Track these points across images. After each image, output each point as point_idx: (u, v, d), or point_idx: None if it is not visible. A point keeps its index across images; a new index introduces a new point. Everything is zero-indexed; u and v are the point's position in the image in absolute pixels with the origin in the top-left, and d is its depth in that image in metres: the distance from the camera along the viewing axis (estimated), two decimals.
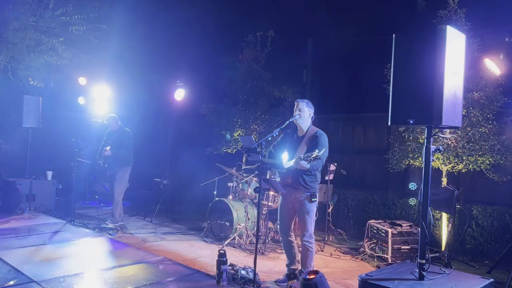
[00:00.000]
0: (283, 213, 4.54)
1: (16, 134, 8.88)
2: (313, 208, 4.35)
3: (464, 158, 5.40)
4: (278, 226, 4.65)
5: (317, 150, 3.97)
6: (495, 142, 5.32)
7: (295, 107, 4.46)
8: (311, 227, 4.35)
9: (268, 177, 4.44)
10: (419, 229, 3.15)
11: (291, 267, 4.56)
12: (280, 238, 4.72)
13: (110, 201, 7.12)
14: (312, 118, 4.49)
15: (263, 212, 5.95)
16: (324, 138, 4.33)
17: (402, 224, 5.58)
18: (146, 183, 8.86)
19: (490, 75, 5.17)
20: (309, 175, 4.29)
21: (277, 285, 4.44)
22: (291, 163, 4.22)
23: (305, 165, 4.05)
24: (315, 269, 4.31)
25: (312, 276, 3.57)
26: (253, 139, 5.81)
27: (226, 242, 5.75)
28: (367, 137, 8.03)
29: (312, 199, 4.29)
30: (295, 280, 4.44)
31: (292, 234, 4.59)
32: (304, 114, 4.40)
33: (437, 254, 5.39)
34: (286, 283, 4.45)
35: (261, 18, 9.17)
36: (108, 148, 6.71)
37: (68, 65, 7.92)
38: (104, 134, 7.08)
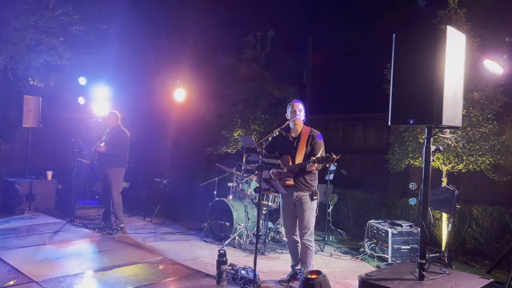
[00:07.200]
0: (285, 213, 4.55)
1: (16, 134, 8.88)
2: (314, 206, 4.39)
3: (464, 158, 5.39)
4: (283, 227, 4.66)
5: (321, 151, 4.10)
6: (495, 142, 5.31)
7: (292, 108, 4.43)
8: (312, 225, 4.38)
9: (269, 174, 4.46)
10: (419, 229, 3.15)
11: (295, 268, 4.55)
12: (284, 238, 4.73)
13: (103, 202, 7.00)
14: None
15: (263, 212, 5.95)
16: (321, 138, 4.41)
17: (402, 224, 5.58)
18: (146, 183, 8.85)
19: (490, 75, 5.16)
20: (310, 174, 4.33)
21: (280, 284, 4.44)
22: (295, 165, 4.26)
23: (316, 167, 4.15)
24: (315, 269, 4.31)
25: (314, 276, 3.56)
26: (253, 139, 5.82)
27: (226, 242, 5.75)
28: (367, 137, 8.03)
29: (314, 197, 4.34)
30: (295, 281, 4.44)
31: (297, 233, 4.58)
32: (302, 114, 4.45)
33: (437, 254, 5.39)
34: (288, 283, 4.45)
35: (261, 18, 9.18)
36: (102, 144, 6.57)
37: (68, 65, 7.91)
38: (104, 132, 7.03)
